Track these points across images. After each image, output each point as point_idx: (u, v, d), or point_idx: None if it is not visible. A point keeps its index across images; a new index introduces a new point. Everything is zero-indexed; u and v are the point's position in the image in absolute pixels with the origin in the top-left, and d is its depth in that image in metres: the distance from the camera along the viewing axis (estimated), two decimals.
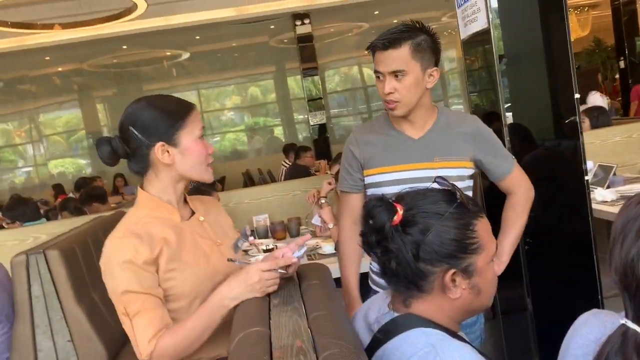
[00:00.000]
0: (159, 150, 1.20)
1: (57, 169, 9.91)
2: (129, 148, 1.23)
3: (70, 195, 6.74)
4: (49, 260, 2.24)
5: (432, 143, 1.61)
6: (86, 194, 4.79)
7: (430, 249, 0.93)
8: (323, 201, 2.86)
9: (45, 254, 2.24)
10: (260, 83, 10.15)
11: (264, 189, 3.79)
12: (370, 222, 0.96)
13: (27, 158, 10.10)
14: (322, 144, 8.97)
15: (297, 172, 5.47)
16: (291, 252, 1.14)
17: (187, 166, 1.22)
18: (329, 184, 2.91)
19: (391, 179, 1.61)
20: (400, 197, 1.00)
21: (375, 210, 0.96)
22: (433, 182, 1.05)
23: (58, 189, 8.01)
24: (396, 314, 0.98)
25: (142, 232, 1.16)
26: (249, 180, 7.59)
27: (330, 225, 2.61)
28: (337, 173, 1.80)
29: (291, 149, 6.82)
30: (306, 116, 9.43)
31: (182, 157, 1.21)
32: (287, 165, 6.40)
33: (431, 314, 0.97)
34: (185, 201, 1.32)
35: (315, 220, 2.97)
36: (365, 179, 1.67)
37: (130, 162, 1.25)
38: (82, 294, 2.32)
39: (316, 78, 9.06)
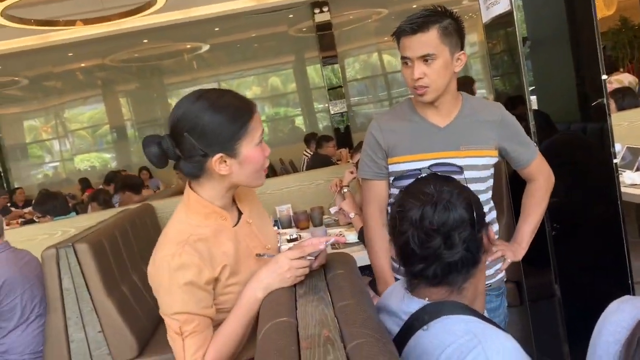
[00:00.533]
0: (216, 162, 1.11)
1: (82, 164, 10.09)
2: (181, 152, 1.12)
3: (101, 187, 6.87)
4: (78, 253, 2.29)
5: (458, 131, 1.60)
6: (122, 182, 4.88)
7: (480, 218, 1.01)
8: (345, 190, 2.86)
9: (74, 247, 2.29)
10: (280, 73, 10.14)
11: (287, 179, 3.79)
12: (431, 226, 0.97)
13: (54, 153, 10.31)
14: (343, 133, 8.94)
15: (318, 161, 5.47)
16: (318, 242, 1.14)
17: (244, 176, 1.14)
18: (351, 172, 2.90)
19: (416, 167, 1.59)
20: (418, 194, 1.01)
21: (429, 213, 0.98)
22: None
23: (85, 182, 8.17)
24: (427, 302, 0.98)
25: (203, 248, 1.10)
26: (271, 171, 7.62)
27: (352, 215, 2.61)
28: (359, 162, 1.79)
29: (312, 138, 6.81)
30: (327, 105, 9.40)
31: (240, 167, 1.12)
32: (309, 155, 6.40)
33: (469, 298, 0.98)
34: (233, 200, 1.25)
35: (333, 209, 2.98)
36: (390, 167, 1.65)
37: (180, 163, 1.14)
38: (111, 286, 2.37)
39: (336, 66, 9.02)
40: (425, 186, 1.02)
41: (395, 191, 1.68)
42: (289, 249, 1.15)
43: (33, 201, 5.38)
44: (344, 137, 8.67)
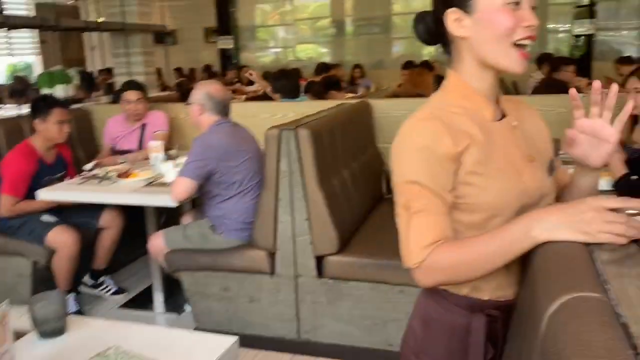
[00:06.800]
0: (450, 18, 0.96)
1: (301, 53, 10.47)
2: (434, 20, 1.01)
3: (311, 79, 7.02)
4: (299, 138, 2.25)
5: None
6: (324, 83, 4.89)
7: None
8: None
9: (296, 132, 2.25)
10: None
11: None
12: None
13: (278, 40, 10.85)
14: (579, 60, 7.71)
15: (552, 86, 4.74)
16: None
17: (483, 43, 0.94)
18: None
19: None
20: None
21: None
22: None
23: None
24: None
25: (447, 119, 0.95)
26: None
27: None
28: None
29: (547, 59, 5.96)
30: (566, 25, 8.15)
31: (477, 29, 0.94)
32: (540, 78, 5.64)
33: None
34: (497, 101, 1.03)
35: None
36: None
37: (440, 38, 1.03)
38: (323, 177, 2.32)
39: None
40: None
41: None
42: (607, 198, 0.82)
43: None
44: (581, 66, 7.47)
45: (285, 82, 3.71)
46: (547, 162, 1.02)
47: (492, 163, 0.95)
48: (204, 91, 2.47)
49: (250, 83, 8.21)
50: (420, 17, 1.04)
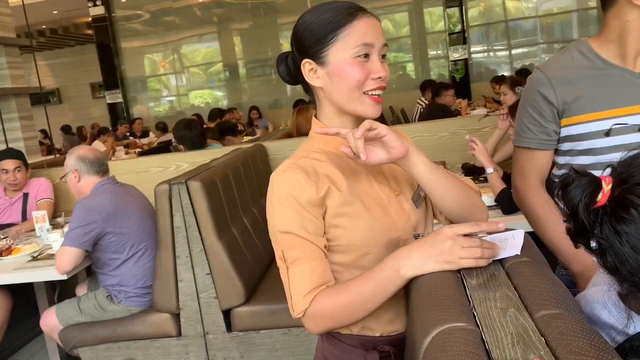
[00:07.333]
0: (305, 68, 0.99)
1: (197, 100, 10.38)
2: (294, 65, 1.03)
3: (206, 125, 6.95)
4: (190, 191, 2.19)
5: None
6: (219, 129, 4.84)
7: None
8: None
9: (187, 185, 2.19)
10: (394, 15, 9.61)
11: (403, 129, 3.48)
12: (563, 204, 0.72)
13: (170, 88, 10.69)
14: (460, 83, 8.33)
15: (435, 111, 5.05)
16: (497, 224, 0.86)
17: (338, 93, 0.97)
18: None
19: (607, 127, 1.24)
20: (616, 167, 0.71)
21: (568, 187, 0.71)
22: None
23: (198, 119, 8.34)
24: None
25: (308, 166, 0.97)
26: (381, 120, 7.27)
27: (490, 170, 2.25)
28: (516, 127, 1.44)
29: (429, 86, 6.34)
30: (439, 52, 8.77)
31: (330, 80, 0.97)
32: (424, 104, 5.98)
33: None
34: None
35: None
36: (565, 130, 1.31)
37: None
38: (221, 228, 2.26)
39: (457, 9, 8.34)
40: (633, 158, 0.71)
41: (564, 160, 1.34)
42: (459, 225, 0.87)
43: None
44: (461, 88, 8.07)
45: (186, 133, 3.57)
46: (414, 194, 1.05)
47: (357, 202, 0.97)
48: (75, 156, 2.37)
49: (145, 135, 8.00)
50: (282, 59, 1.06)
